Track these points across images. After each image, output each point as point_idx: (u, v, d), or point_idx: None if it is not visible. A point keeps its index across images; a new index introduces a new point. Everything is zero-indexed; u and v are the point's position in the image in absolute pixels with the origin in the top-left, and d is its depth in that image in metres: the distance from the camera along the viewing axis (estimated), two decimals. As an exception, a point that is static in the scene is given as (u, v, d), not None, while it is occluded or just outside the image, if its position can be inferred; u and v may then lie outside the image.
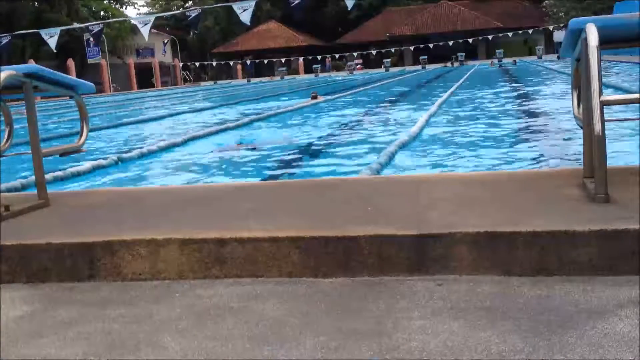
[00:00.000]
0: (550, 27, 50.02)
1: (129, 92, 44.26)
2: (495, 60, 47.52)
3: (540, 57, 49.47)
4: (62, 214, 3.27)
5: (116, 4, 62.67)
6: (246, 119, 12.63)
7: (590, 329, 1.82)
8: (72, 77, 3.98)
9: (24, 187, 5.49)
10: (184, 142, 9.21)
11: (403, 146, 7.13)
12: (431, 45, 52.30)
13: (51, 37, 17.32)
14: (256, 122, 12.34)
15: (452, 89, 18.02)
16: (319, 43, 63.35)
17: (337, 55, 56.59)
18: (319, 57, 56.38)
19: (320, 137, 9.24)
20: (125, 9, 65.09)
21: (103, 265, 2.57)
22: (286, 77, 54.29)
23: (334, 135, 9.46)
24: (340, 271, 2.40)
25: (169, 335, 1.98)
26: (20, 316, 2.25)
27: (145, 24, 17.14)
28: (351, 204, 2.95)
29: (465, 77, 26.25)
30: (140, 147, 8.64)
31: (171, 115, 16.79)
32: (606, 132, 2.60)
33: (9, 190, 5.07)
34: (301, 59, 57.61)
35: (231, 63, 59.22)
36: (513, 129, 8.72)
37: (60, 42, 17.99)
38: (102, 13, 56.93)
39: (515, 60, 46.22)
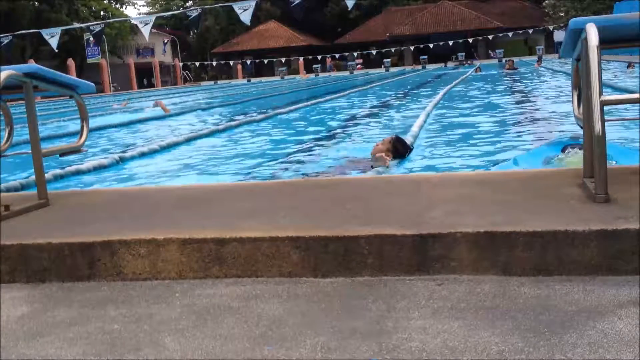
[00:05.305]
0: (550, 27, 50.00)
1: (129, 92, 44.27)
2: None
3: (540, 60, 37.28)
4: (62, 213, 3.27)
5: (116, 3, 62.68)
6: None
7: (590, 329, 1.82)
8: (72, 77, 3.97)
9: (23, 187, 5.49)
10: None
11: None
12: (431, 45, 52.30)
13: (52, 37, 17.30)
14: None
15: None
16: (319, 43, 63.32)
17: (337, 55, 56.58)
18: (319, 57, 56.37)
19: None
20: (125, 8, 65.16)
21: (103, 265, 2.57)
22: (286, 77, 54.30)
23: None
24: (340, 271, 2.40)
25: (169, 335, 1.98)
26: (20, 316, 2.25)
27: (146, 24, 17.11)
28: (351, 204, 2.95)
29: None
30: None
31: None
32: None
33: (8, 190, 5.07)
34: (301, 58, 57.58)
35: (231, 63, 59.21)
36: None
37: (60, 42, 17.95)
38: (102, 13, 56.95)
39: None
